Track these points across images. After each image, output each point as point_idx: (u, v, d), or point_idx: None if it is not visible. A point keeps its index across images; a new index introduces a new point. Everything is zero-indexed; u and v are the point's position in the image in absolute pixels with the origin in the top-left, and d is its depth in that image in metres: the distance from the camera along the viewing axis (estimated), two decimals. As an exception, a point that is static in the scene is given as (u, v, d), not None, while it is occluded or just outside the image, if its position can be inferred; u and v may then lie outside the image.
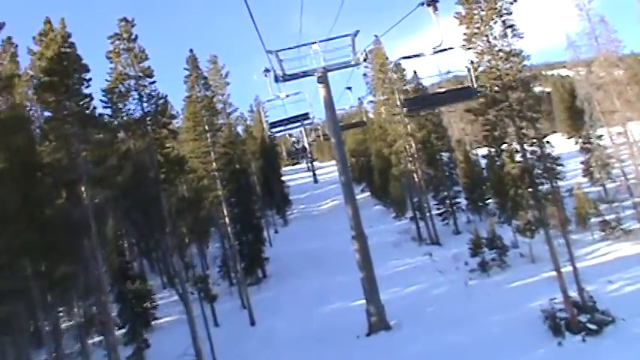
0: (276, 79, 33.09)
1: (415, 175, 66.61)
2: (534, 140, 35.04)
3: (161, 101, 34.98)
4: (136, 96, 34.42)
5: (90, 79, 32.21)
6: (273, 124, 33.60)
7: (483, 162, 76.86)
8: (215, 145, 53.11)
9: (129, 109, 34.35)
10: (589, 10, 53.08)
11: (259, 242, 62.28)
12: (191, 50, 55.86)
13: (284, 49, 33.67)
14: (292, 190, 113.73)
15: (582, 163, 72.36)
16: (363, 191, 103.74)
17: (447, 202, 68.98)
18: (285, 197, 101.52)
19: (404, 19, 16.87)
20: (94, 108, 32.70)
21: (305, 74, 34.59)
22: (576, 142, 74.31)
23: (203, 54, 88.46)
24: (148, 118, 34.41)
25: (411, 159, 66.30)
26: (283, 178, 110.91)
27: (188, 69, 55.93)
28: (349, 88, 34.82)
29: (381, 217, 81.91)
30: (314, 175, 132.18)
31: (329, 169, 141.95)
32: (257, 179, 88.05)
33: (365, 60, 32.45)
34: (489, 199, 68.39)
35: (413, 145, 65.76)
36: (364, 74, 71.24)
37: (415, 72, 71.06)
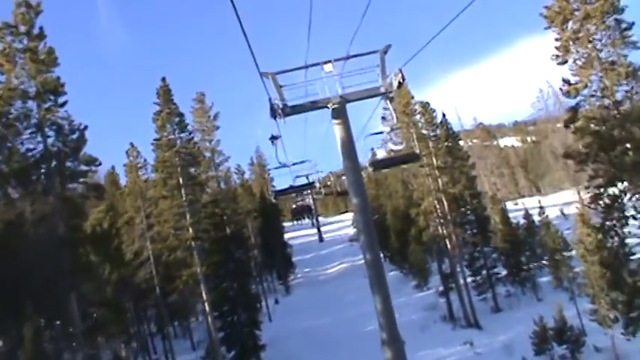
0: (274, 114, 19.56)
1: (448, 241, 53.28)
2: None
3: (75, 136, 21.94)
4: (36, 127, 21.40)
5: None
6: (278, 193, 28.20)
7: (516, 219, 64.41)
8: (193, 204, 39.99)
9: (27, 148, 21.43)
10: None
11: (254, 325, 48.92)
12: (163, 79, 43.43)
13: (285, 71, 20.62)
14: (295, 250, 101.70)
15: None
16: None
17: (484, 272, 55.50)
18: (287, 260, 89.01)
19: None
20: None
21: (314, 106, 20.73)
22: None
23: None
24: (53, 163, 21.38)
25: (442, 220, 53.12)
26: (286, 236, 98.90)
27: (158, 103, 43.19)
28: (388, 99, 21.43)
29: (399, 287, 68.66)
30: (319, 233, 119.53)
31: (335, 226, 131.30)
32: (254, 241, 74.65)
33: (400, 85, 17.65)
34: (530, 267, 58.02)
35: (445, 203, 52.68)
36: (383, 117, 58.25)
37: (444, 114, 58.24)
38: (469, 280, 56.28)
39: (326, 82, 21.28)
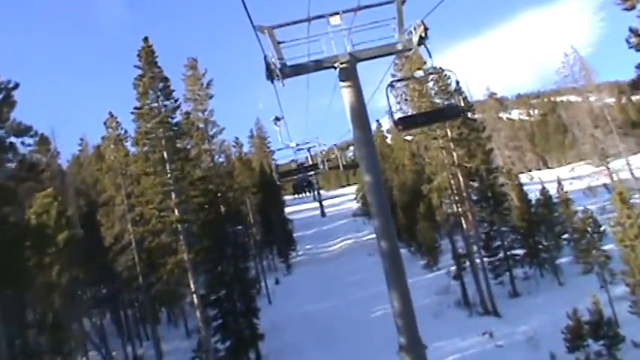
0: (271, 76, 15.43)
1: (463, 220, 48.50)
2: None
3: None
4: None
5: None
6: (281, 175, 27.94)
7: (531, 193, 59.42)
8: (180, 181, 35.05)
9: None
10: None
11: (251, 312, 44.22)
12: (146, 39, 38.42)
13: (284, 25, 16.14)
14: (296, 226, 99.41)
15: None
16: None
17: (501, 253, 50.96)
18: (288, 237, 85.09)
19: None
20: None
21: (319, 66, 16.42)
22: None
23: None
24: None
25: (457, 198, 48.28)
26: (287, 210, 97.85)
27: (140, 67, 38.04)
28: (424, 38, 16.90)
29: (407, 266, 61.79)
30: (321, 207, 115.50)
31: (337, 200, 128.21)
32: (253, 218, 69.98)
33: (422, 41, 14.17)
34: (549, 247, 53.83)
35: (460, 178, 47.75)
36: (390, 84, 52.83)
37: (458, 82, 52.72)
38: (482, 260, 51.79)
39: (332, 38, 15.61)
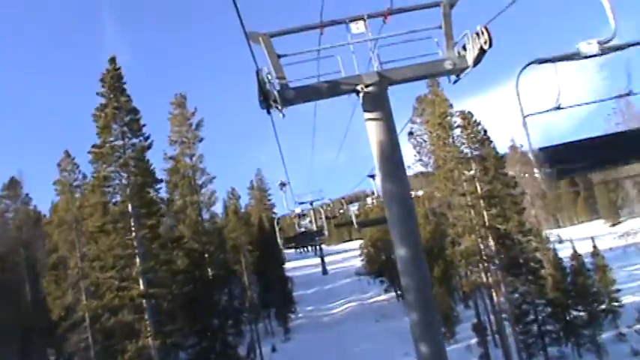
0: (266, 102, 9.60)
1: (494, 291, 40.99)
2: None
3: None
4: None
5: None
6: (286, 241, 28.89)
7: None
8: (149, 242, 27.60)
9: None
10: None
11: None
12: (112, 60, 31.36)
13: (286, 32, 10.71)
14: (296, 284, 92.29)
15: None
16: (387, 291, 78.97)
17: (535, 328, 43.45)
18: (287, 297, 77.56)
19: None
20: None
21: (334, 89, 10.57)
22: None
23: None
24: None
25: (485, 264, 40.85)
26: (286, 266, 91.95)
27: (103, 94, 30.87)
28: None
29: (419, 337, 56.16)
30: (323, 264, 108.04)
31: (340, 257, 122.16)
32: (249, 278, 62.63)
33: (482, 55, 8.79)
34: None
35: (492, 243, 40.35)
36: (410, 132, 45.97)
37: (486, 130, 45.43)
38: (512, 337, 44.19)
39: (354, 52, 11.26)
